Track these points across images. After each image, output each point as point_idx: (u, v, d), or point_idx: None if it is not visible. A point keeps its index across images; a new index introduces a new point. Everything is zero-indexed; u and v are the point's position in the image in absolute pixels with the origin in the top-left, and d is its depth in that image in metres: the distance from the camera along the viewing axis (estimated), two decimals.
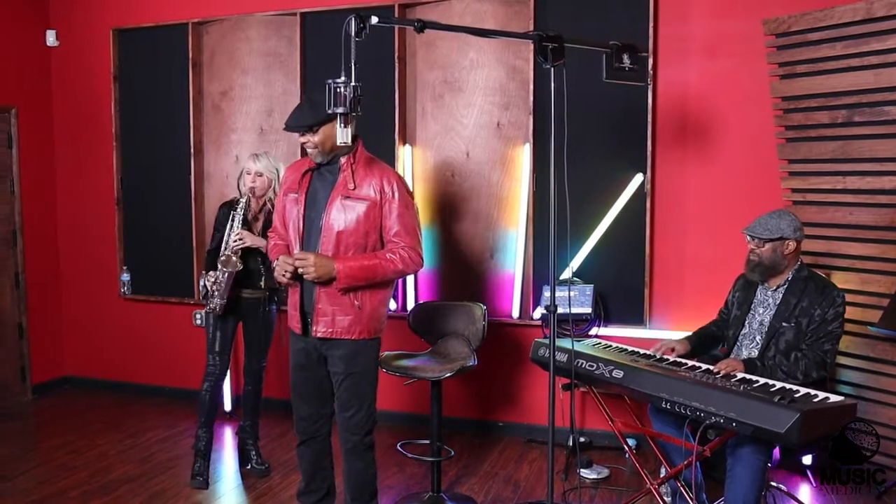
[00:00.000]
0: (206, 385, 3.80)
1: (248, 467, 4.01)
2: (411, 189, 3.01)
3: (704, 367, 2.98)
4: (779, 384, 2.70)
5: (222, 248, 3.68)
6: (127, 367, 5.49)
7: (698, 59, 4.10)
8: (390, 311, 3.25)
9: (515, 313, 4.47)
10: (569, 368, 3.14)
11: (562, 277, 4.28)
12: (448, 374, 3.38)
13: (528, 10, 4.25)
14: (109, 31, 5.20)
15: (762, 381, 2.75)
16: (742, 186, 4.05)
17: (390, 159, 4.54)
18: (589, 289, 4.08)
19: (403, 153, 4.61)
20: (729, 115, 4.07)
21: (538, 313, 4.35)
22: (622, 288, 4.26)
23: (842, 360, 3.73)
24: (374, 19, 2.46)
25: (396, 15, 4.49)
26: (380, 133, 4.55)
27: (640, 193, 4.17)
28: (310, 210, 2.92)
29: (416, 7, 4.53)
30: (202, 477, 3.78)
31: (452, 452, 3.88)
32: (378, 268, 2.82)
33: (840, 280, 3.69)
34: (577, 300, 4.04)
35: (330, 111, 2.52)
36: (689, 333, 3.39)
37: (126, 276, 5.29)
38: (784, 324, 3.03)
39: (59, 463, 4.16)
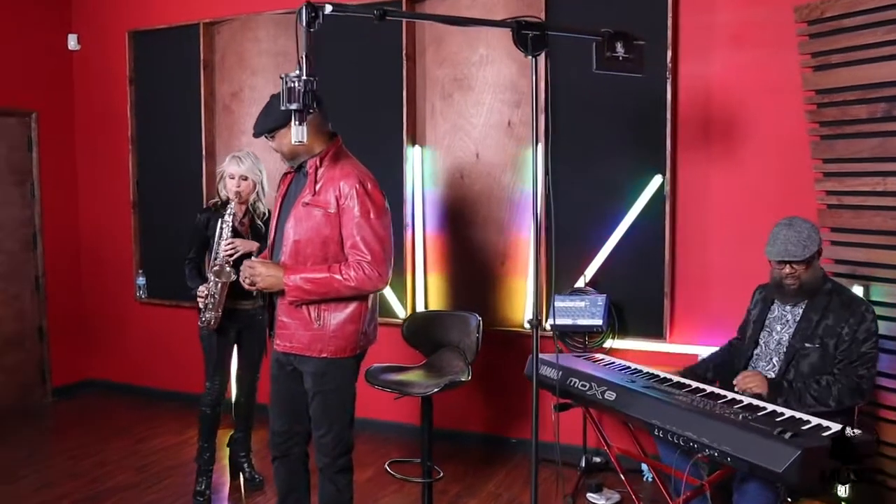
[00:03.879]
0: (205, 405, 3.65)
1: (241, 480, 3.88)
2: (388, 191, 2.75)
3: (710, 390, 2.68)
4: (788, 413, 2.38)
5: (212, 258, 3.51)
6: (143, 372, 5.47)
7: (723, 50, 3.77)
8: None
9: (527, 324, 4.21)
10: (562, 387, 2.88)
11: (575, 286, 4.02)
12: (435, 390, 3.15)
13: (539, 1, 4.00)
14: (125, 34, 5.18)
15: (770, 408, 2.44)
16: (771, 188, 3.70)
17: (398, 160, 4.36)
18: (601, 299, 3.79)
19: (412, 154, 4.41)
20: (757, 110, 3.72)
21: (550, 324, 4.08)
22: (640, 298, 3.95)
23: (881, 381, 3.34)
24: (329, 8, 2.27)
25: (404, 10, 4.30)
26: (387, 133, 4.38)
27: (659, 196, 3.86)
28: (282, 215, 2.76)
29: (426, 1, 4.33)
30: (203, 497, 3.64)
31: (442, 473, 3.65)
32: (330, 282, 2.59)
33: (880, 293, 3.31)
34: (588, 311, 3.76)
35: (283, 107, 2.34)
36: (699, 360, 3.10)
37: (141, 280, 5.23)
38: (807, 345, 2.69)
39: (60, 469, 4.12)
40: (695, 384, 2.76)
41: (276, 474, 2.92)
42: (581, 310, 3.76)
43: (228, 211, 3.48)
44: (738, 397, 2.58)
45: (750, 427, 2.23)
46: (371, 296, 2.75)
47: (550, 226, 4.03)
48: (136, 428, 4.80)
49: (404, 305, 4.45)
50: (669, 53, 3.76)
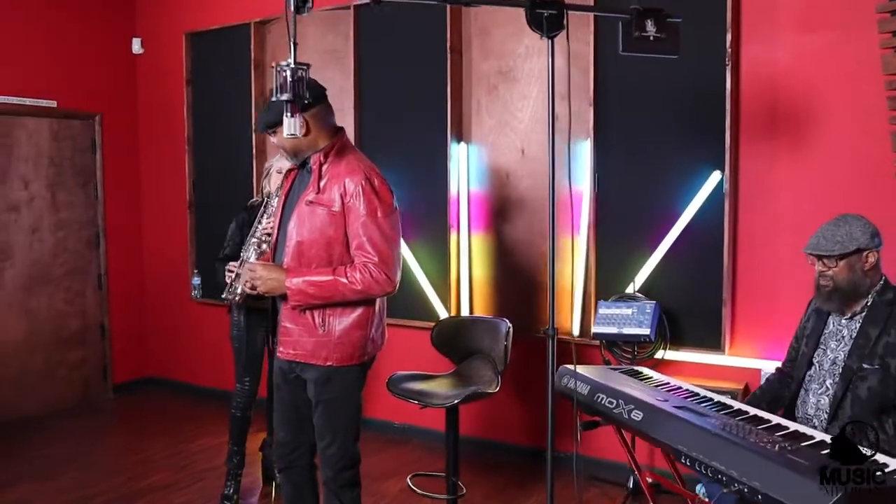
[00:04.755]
0: (236, 408, 3.60)
1: (272, 486, 3.79)
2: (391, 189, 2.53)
3: (753, 412, 2.35)
4: None
5: (250, 234, 3.29)
6: (199, 371, 5.51)
7: (790, 31, 3.39)
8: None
9: (575, 331, 3.94)
10: (590, 404, 2.62)
11: (624, 292, 3.73)
12: (456, 401, 2.96)
13: None
14: (182, 36, 5.24)
15: (818, 437, 2.10)
16: (845, 186, 3.29)
17: (442, 158, 4.18)
18: (650, 306, 3.48)
19: (457, 151, 4.21)
20: (829, 98, 3.32)
21: (593, 332, 3.79)
22: (696, 306, 3.61)
23: None
24: None
25: None
26: (431, 130, 4.21)
27: (717, 194, 3.52)
28: (285, 215, 2.62)
29: None
30: (230, 501, 3.60)
31: (465, 490, 3.42)
32: (335, 286, 2.43)
33: None
34: (635, 319, 3.45)
35: (273, 99, 2.21)
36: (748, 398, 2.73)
37: (197, 280, 5.25)
38: (865, 365, 2.32)
39: (101, 467, 4.16)
40: (738, 405, 2.44)
41: (283, 486, 2.79)
42: (627, 318, 3.46)
43: (275, 193, 3.30)
44: (784, 422, 2.25)
45: (787, 461, 1.90)
46: (379, 300, 2.58)
47: (599, 226, 3.78)
48: (184, 427, 4.82)
49: (448, 308, 4.26)
50: (729, 37, 3.41)
